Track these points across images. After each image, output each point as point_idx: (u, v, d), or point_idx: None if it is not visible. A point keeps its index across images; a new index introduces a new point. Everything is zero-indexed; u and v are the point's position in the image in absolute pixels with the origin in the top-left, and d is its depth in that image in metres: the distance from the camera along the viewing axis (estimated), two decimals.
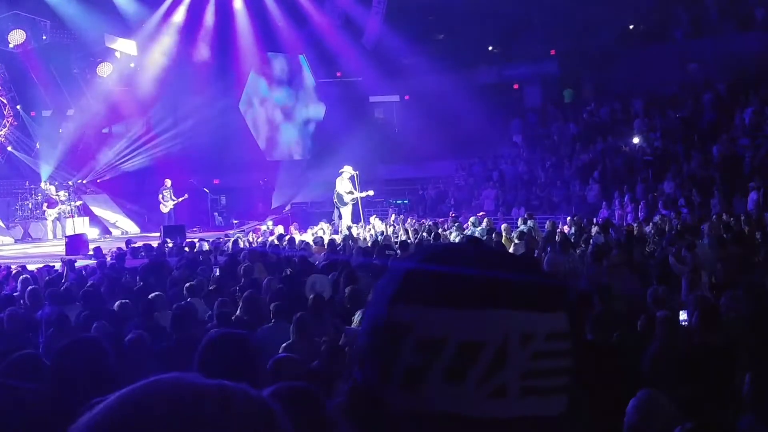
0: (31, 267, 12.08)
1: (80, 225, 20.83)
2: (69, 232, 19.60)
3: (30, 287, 8.69)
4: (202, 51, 24.69)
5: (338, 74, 27.25)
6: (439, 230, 14.66)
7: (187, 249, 13.97)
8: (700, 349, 5.06)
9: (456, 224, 15.26)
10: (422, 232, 14.34)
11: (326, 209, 20.48)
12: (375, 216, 18.80)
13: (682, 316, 6.10)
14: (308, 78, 27.03)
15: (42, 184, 21.79)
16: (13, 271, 11.50)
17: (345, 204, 18.41)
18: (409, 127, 25.86)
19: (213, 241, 15.67)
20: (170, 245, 15.32)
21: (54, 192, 21.14)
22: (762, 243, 10.52)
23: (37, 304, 7.93)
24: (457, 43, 25.75)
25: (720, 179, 17.51)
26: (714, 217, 13.96)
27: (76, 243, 16.55)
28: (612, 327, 5.48)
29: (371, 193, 19.12)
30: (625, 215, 17.87)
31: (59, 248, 17.12)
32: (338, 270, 9.42)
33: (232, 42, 24.86)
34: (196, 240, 15.47)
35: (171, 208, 21.01)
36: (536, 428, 0.77)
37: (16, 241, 20.61)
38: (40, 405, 2.95)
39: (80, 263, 12.83)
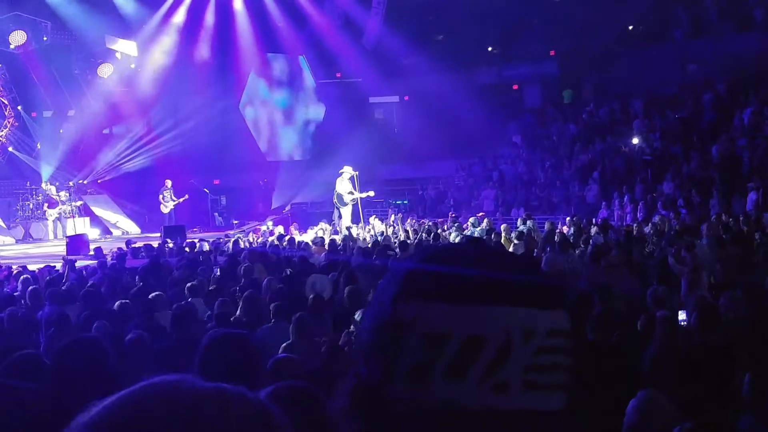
0: (31, 267, 12.09)
1: (81, 225, 20.85)
2: (70, 232, 19.62)
3: (31, 287, 8.71)
4: (203, 52, 24.71)
5: (338, 75, 27.26)
6: (439, 230, 14.66)
7: (187, 249, 13.98)
8: (699, 349, 5.07)
9: (456, 224, 15.28)
10: (422, 232, 14.34)
11: (326, 209, 20.48)
12: (375, 216, 18.81)
13: (681, 316, 6.11)
14: (308, 79, 27.05)
15: (43, 185, 21.81)
16: (14, 271, 11.51)
17: (345, 204, 18.41)
18: (409, 128, 25.87)
19: (213, 241, 15.69)
20: (170, 245, 15.34)
21: (54, 192, 21.16)
22: (761, 243, 10.51)
23: (37, 304, 7.95)
24: (456, 43, 25.74)
25: (719, 180, 17.51)
26: (713, 217, 13.95)
27: (76, 243, 16.56)
28: (612, 327, 5.49)
29: (372, 193, 19.13)
30: (624, 215, 17.86)
31: (60, 248, 17.13)
32: (338, 270, 9.43)
33: (232, 43, 24.88)
34: (196, 240, 15.48)
35: (171, 209, 21.01)
36: (537, 422, 0.78)
37: (17, 242, 20.63)
38: (40, 405, 2.95)
39: (81, 263, 12.84)
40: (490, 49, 28.55)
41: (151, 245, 14.85)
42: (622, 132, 22.30)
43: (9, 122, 22.44)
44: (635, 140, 21.44)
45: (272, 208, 24.36)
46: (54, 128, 23.54)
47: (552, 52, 26.27)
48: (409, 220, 18.31)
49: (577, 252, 10.59)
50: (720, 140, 18.92)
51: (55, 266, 12.01)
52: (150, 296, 7.37)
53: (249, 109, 25.86)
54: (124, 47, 23.41)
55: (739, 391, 3.86)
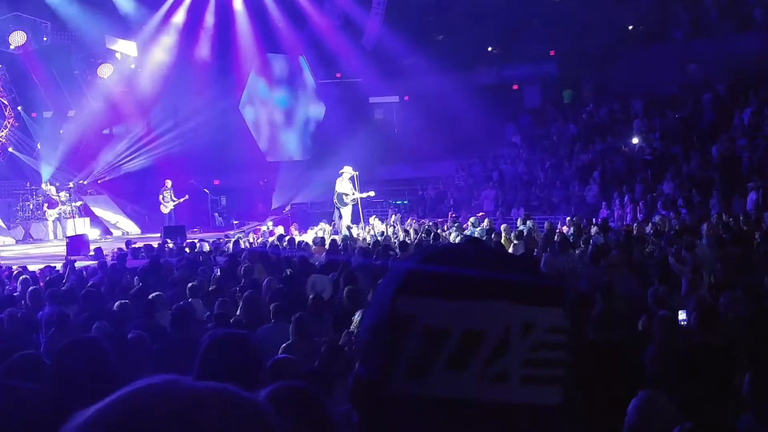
0: (32, 268, 12.09)
1: (81, 226, 20.84)
2: (70, 232, 19.62)
3: (31, 288, 8.71)
4: (203, 52, 24.71)
5: (338, 75, 27.27)
6: (439, 231, 14.66)
7: (187, 249, 13.99)
8: (699, 349, 5.07)
9: (455, 224, 15.29)
10: (422, 232, 14.34)
11: (326, 209, 20.49)
12: (375, 216, 18.82)
13: (681, 316, 6.11)
14: (308, 79, 27.04)
15: (43, 185, 21.81)
16: (14, 272, 11.51)
17: (345, 204, 18.42)
18: (409, 128, 25.87)
19: (213, 241, 15.70)
20: (170, 246, 15.34)
21: (54, 193, 21.16)
22: (761, 243, 10.51)
23: (37, 305, 7.95)
24: (456, 43, 25.74)
25: (719, 179, 17.51)
26: (713, 217, 13.95)
27: (77, 244, 16.56)
28: (612, 327, 5.49)
29: (372, 194, 19.15)
30: (624, 215, 17.87)
31: (60, 249, 17.13)
32: (338, 270, 9.44)
33: (232, 43, 24.88)
34: (196, 240, 15.49)
35: (171, 209, 21.02)
36: (535, 416, 0.79)
37: (17, 242, 20.63)
38: (40, 405, 2.95)
39: (81, 264, 12.85)
40: (490, 49, 28.55)
41: (151, 245, 14.86)
42: (622, 132, 22.31)
43: (9, 122, 22.44)
44: (635, 140, 21.44)
45: (272, 208, 24.35)
46: (54, 128, 23.54)
47: (552, 52, 26.27)
48: (409, 220, 18.31)
49: (577, 252, 10.60)
50: (720, 140, 18.92)
51: (55, 266, 12.02)
52: (150, 296, 7.37)
53: (249, 109, 25.86)
54: (124, 47, 23.42)
55: (739, 391, 3.86)
